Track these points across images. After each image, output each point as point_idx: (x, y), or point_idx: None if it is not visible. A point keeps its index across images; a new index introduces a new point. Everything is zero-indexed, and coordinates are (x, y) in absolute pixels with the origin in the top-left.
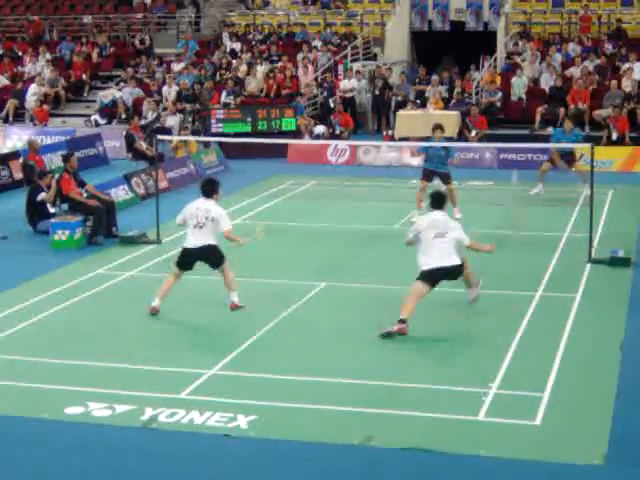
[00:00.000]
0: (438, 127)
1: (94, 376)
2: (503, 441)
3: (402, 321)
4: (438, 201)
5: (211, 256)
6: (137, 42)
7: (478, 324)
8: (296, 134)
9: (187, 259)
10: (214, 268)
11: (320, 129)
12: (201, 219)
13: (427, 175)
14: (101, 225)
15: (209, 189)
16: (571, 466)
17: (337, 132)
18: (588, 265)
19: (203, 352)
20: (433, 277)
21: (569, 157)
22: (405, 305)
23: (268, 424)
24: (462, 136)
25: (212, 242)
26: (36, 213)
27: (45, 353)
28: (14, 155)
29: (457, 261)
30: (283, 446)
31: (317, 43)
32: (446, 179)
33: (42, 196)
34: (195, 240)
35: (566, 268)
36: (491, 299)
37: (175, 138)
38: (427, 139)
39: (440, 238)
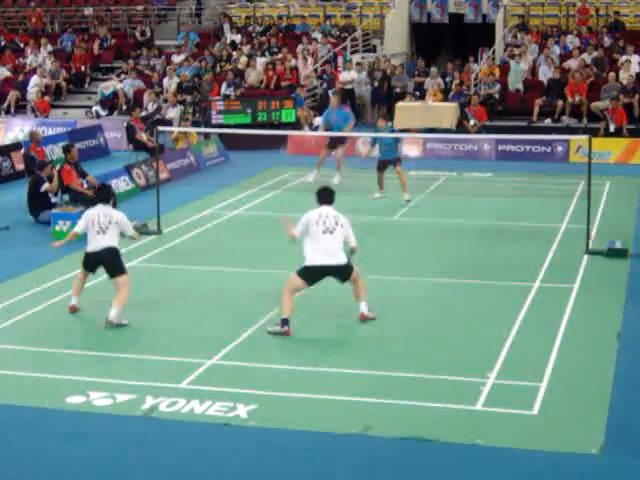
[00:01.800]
0: (380, 117)
1: (95, 366)
2: (501, 431)
3: (285, 321)
4: (327, 196)
5: (114, 261)
6: (138, 34)
7: (476, 314)
8: (296, 126)
9: (96, 264)
10: (111, 276)
11: (320, 121)
12: (103, 225)
13: (379, 166)
14: None
15: (106, 194)
16: (568, 455)
17: None
18: (586, 256)
19: (203, 342)
20: (314, 275)
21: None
22: (283, 303)
23: (268, 413)
24: (461, 127)
25: (116, 246)
26: (38, 204)
27: (46, 343)
28: (16, 146)
29: (343, 260)
30: (283, 435)
31: (317, 35)
32: (397, 162)
33: (45, 187)
34: (98, 244)
35: (564, 259)
36: (489, 289)
37: (175, 129)
38: (429, 131)
39: (329, 235)
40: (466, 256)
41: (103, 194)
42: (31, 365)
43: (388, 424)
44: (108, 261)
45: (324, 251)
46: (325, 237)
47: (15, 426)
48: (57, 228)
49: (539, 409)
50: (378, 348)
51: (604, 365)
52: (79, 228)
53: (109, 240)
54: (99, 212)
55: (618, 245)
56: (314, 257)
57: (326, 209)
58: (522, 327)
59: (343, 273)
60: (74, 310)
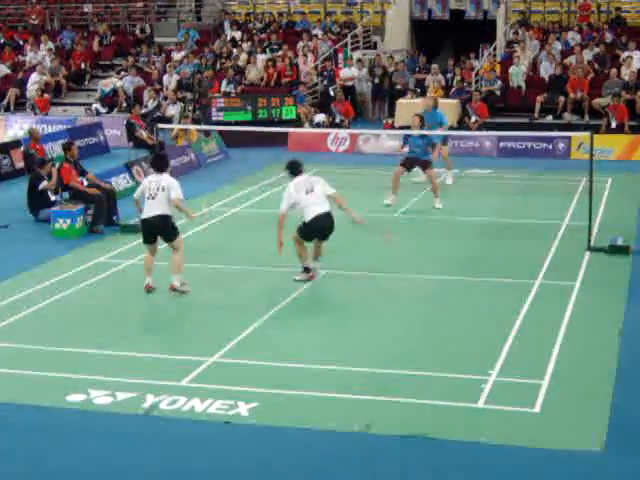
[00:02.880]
0: (415, 116)
1: (95, 364)
2: (503, 428)
3: (306, 269)
4: (297, 168)
5: (165, 227)
6: (138, 31)
7: (477, 312)
8: (296, 123)
9: (147, 231)
10: (166, 241)
11: (320, 117)
12: (153, 190)
13: (405, 163)
14: (102, 213)
15: (161, 163)
16: (570, 453)
17: (337, 120)
18: (587, 253)
19: (204, 340)
20: (312, 229)
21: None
22: (299, 255)
23: (269, 411)
24: (462, 124)
25: (165, 212)
26: (37, 202)
27: (46, 341)
28: (15, 144)
29: (329, 208)
30: (283, 433)
31: (317, 32)
32: (425, 166)
33: (44, 185)
34: (150, 210)
35: (565, 256)
36: (491, 287)
37: (176, 127)
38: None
39: (311, 192)
40: (467, 253)
41: (156, 163)
42: (31, 363)
43: (389, 422)
44: (159, 227)
45: (312, 204)
46: (308, 195)
47: (16, 425)
48: (57, 226)
49: (541, 407)
50: (379, 346)
51: (606, 362)
52: (136, 194)
53: (159, 207)
54: (151, 179)
55: (620, 242)
56: (308, 212)
57: (299, 178)
58: (524, 324)
59: (332, 224)
60: (149, 289)
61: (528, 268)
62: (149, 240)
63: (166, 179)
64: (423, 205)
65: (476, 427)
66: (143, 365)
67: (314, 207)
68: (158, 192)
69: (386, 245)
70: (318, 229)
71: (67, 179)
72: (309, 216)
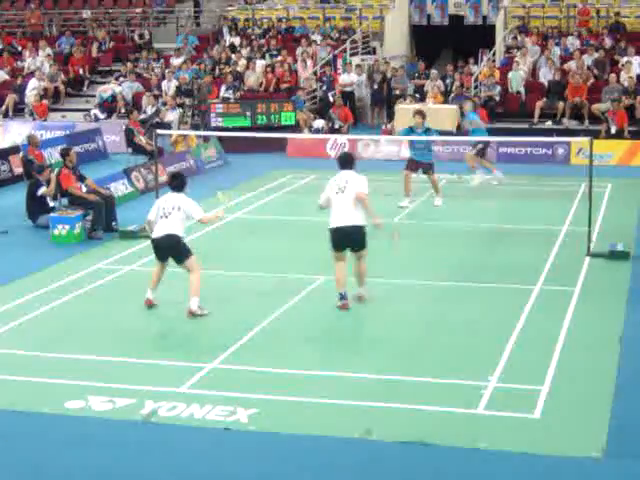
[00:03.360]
0: (418, 112)
1: (94, 370)
2: (502, 434)
3: (341, 296)
4: (344, 161)
5: (175, 248)
6: (136, 37)
7: (477, 317)
8: (295, 128)
9: (156, 251)
10: (178, 263)
11: (319, 123)
12: (167, 210)
13: (410, 166)
14: (101, 219)
15: (179, 183)
16: (570, 459)
17: (336, 126)
18: (587, 258)
19: (203, 345)
20: (336, 239)
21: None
22: (336, 278)
23: (268, 417)
24: (461, 129)
25: (177, 233)
26: (36, 208)
27: (45, 347)
28: (14, 150)
29: (358, 221)
30: (283, 439)
31: (316, 37)
32: (428, 169)
33: (42, 190)
34: (160, 230)
35: (565, 261)
36: (490, 292)
37: (174, 132)
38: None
39: (341, 194)
40: (467, 259)
41: (173, 182)
42: (30, 370)
43: (389, 428)
44: (168, 248)
45: (338, 211)
46: (337, 197)
47: (14, 432)
48: (56, 232)
49: (541, 412)
50: (379, 351)
51: (606, 368)
52: (150, 215)
53: (170, 226)
54: (167, 198)
55: (620, 247)
56: (332, 219)
57: (343, 173)
58: (523, 330)
59: (357, 237)
60: (149, 304)
61: (528, 274)
62: (160, 258)
63: (183, 199)
64: (422, 211)
65: (476, 433)
66: (142, 371)
67: (337, 215)
68: (173, 211)
69: (388, 251)
70: (339, 240)
71: (66, 185)
72: (331, 223)
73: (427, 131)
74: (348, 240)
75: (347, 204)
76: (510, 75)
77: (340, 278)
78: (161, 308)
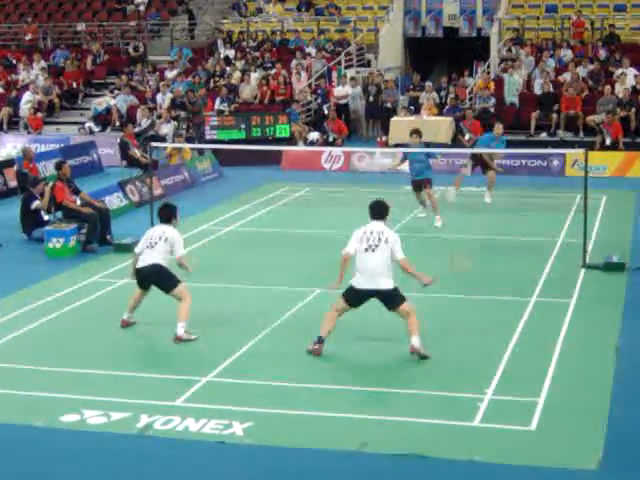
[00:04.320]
0: (415, 132)
1: (89, 384)
2: (499, 447)
3: (319, 339)
4: (376, 211)
5: (160, 278)
6: (131, 49)
7: (473, 329)
8: (290, 141)
9: (141, 280)
10: (165, 292)
11: (314, 136)
12: (154, 239)
13: (414, 186)
14: (95, 233)
15: (166, 214)
16: (566, 471)
17: (331, 139)
18: (582, 270)
19: (198, 359)
20: (354, 297)
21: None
22: (323, 321)
23: (263, 431)
24: (456, 142)
25: (161, 262)
26: (31, 221)
27: (40, 361)
28: (8, 163)
29: (386, 284)
30: (279, 453)
31: (311, 50)
32: (426, 184)
33: (36, 204)
34: (145, 259)
35: (561, 273)
36: (486, 304)
37: (169, 145)
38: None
39: (370, 253)
40: (463, 271)
41: (161, 212)
42: (24, 383)
43: (385, 441)
44: (154, 278)
45: (364, 271)
46: (367, 256)
47: (10, 445)
48: (50, 245)
49: (537, 425)
50: (375, 364)
51: (602, 380)
52: (137, 248)
53: (155, 256)
54: (156, 229)
55: (615, 259)
56: (356, 278)
57: (373, 225)
58: (519, 342)
59: (387, 299)
60: (125, 325)
61: (523, 285)
62: (143, 287)
63: (170, 232)
64: (418, 223)
65: (472, 445)
66: (137, 385)
67: (361, 278)
68: (159, 242)
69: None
70: (359, 300)
71: (60, 198)
72: (354, 283)
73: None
74: (378, 299)
75: (378, 265)
76: (506, 77)
77: (329, 327)
78: (155, 321)
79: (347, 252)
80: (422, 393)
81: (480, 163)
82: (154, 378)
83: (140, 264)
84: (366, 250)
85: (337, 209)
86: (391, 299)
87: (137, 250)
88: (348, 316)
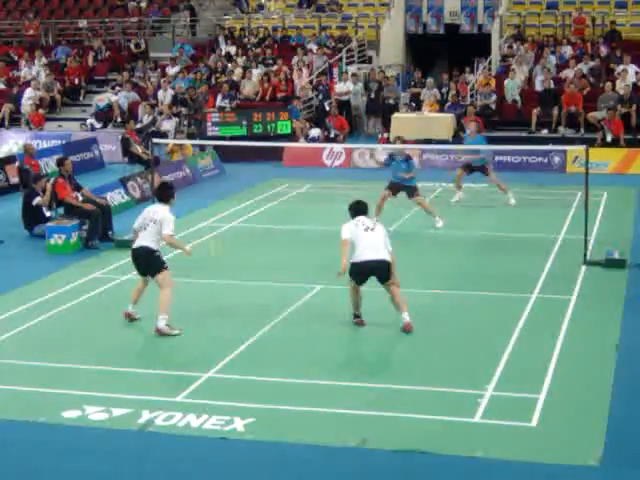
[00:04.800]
0: (398, 138)
1: (91, 380)
2: (499, 443)
3: (355, 315)
4: (360, 209)
5: (147, 260)
6: (132, 46)
7: (474, 326)
8: (291, 137)
9: (134, 262)
10: (151, 276)
11: (315, 132)
12: (146, 221)
13: (392, 187)
14: (97, 229)
15: (165, 195)
16: (567, 467)
17: (332, 135)
18: (583, 267)
19: (199, 355)
20: (360, 271)
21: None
22: (350, 301)
23: (265, 427)
24: (457, 138)
25: (150, 245)
26: (32, 217)
27: (42, 357)
28: (10, 159)
29: (386, 256)
30: (280, 449)
31: (312, 46)
32: (412, 192)
33: (38, 200)
34: (138, 241)
35: (562, 270)
36: (487, 301)
37: (171, 142)
38: (425, 141)
39: (370, 232)
40: (463, 268)
41: (158, 192)
42: (27, 379)
43: (386, 437)
44: (141, 260)
45: (368, 246)
46: (367, 234)
47: (11, 441)
48: (52, 242)
49: (538, 421)
50: (376, 360)
51: (603, 376)
52: (135, 224)
53: (146, 238)
54: (150, 209)
55: (616, 256)
56: (360, 253)
57: (362, 217)
58: (520, 339)
59: (385, 272)
60: (128, 317)
61: (524, 282)
62: (140, 272)
63: (161, 212)
64: (417, 220)
65: (472, 442)
66: (138, 381)
67: (366, 250)
68: (150, 223)
69: None
70: (365, 274)
71: (61, 194)
72: (360, 257)
73: (407, 160)
74: (376, 273)
75: (379, 241)
76: (506, 83)
77: (357, 301)
78: (156, 318)
79: (345, 238)
80: (423, 389)
81: (471, 169)
82: (156, 374)
83: (134, 245)
84: (365, 230)
85: (338, 205)
86: (389, 272)
87: (135, 226)
88: (347, 316)
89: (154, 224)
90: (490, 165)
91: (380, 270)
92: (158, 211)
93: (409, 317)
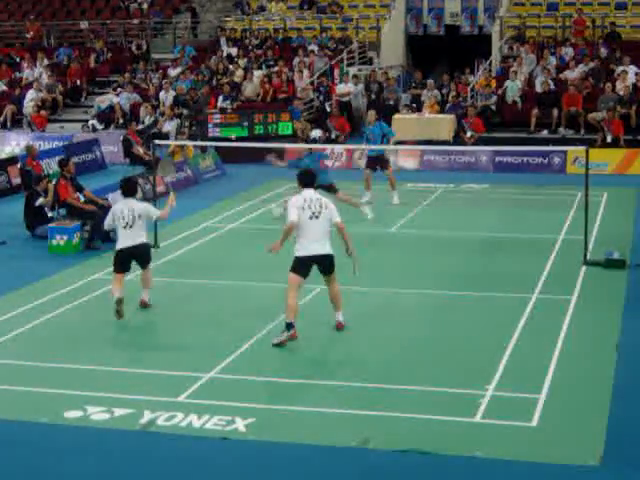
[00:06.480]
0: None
1: (93, 380)
2: (500, 443)
3: (289, 325)
4: (309, 179)
5: (147, 254)
6: (134, 47)
7: (474, 326)
8: (293, 138)
9: (126, 260)
10: (143, 268)
11: (316, 133)
12: (128, 220)
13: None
14: (99, 230)
15: (132, 188)
16: (567, 467)
17: (333, 136)
18: (583, 267)
19: (201, 355)
20: (305, 265)
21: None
22: (287, 306)
23: (266, 427)
24: (458, 139)
25: (146, 240)
26: (34, 218)
27: (43, 357)
28: (12, 160)
29: (329, 249)
30: (281, 449)
31: (313, 47)
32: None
33: (40, 201)
34: (130, 240)
35: (562, 270)
36: (487, 301)
37: (172, 143)
38: (426, 142)
39: (315, 220)
40: (463, 268)
41: (126, 188)
42: (28, 380)
43: (387, 437)
44: (142, 255)
45: (313, 241)
46: (313, 223)
47: (13, 441)
48: (54, 242)
49: (538, 421)
50: (377, 360)
51: (603, 376)
52: (106, 225)
53: (138, 235)
54: (122, 207)
55: (616, 256)
56: (305, 247)
57: (308, 192)
58: (520, 339)
59: (329, 264)
60: (143, 305)
61: (524, 282)
62: (126, 268)
63: (138, 206)
64: (419, 221)
65: (473, 441)
66: (140, 381)
67: (312, 243)
68: (135, 220)
69: (383, 260)
70: (307, 267)
71: (63, 195)
72: (301, 251)
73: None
74: (320, 265)
75: (323, 232)
76: (507, 84)
77: (294, 310)
78: (158, 318)
79: (292, 221)
80: (423, 389)
81: (374, 162)
82: (157, 374)
83: (125, 244)
84: (310, 218)
85: (339, 205)
86: (332, 264)
87: (106, 227)
88: (349, 315)
89: (139, 219)
90: (390, 159)
91: (324, 263)
92: (134, 207)
93: (342, 317)
